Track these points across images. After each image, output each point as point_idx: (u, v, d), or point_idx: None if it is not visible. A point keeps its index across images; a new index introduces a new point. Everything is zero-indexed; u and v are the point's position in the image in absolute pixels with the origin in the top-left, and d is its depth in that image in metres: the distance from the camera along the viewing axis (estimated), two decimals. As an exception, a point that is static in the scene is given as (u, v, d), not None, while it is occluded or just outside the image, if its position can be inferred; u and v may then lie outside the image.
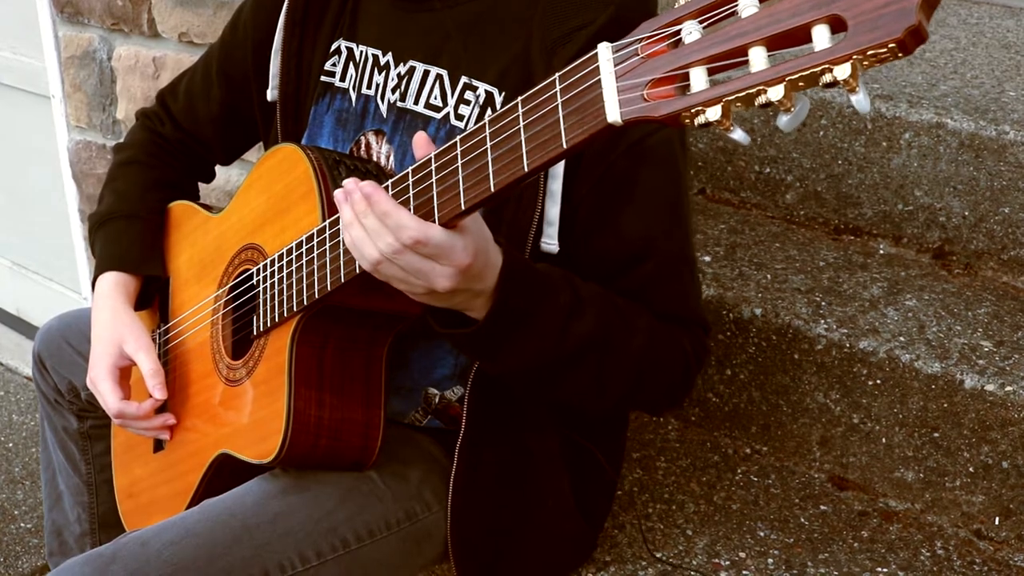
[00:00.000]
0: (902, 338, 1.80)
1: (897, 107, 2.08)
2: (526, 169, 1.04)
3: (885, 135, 2.09)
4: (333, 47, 1.56)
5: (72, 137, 2.97)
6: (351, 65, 1.54)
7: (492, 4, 1.42)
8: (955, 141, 2.02)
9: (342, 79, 1.55)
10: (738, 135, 0.86)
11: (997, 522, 1.74)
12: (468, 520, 1.49)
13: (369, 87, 1.52)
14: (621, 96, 0.92)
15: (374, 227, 1.15)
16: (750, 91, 0.82)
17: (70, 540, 2.06)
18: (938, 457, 1.77)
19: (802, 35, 0.80)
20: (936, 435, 1.76)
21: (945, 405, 1.74)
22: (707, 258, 2.05)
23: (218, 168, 1.88)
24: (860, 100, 0.79)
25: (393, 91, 1.49)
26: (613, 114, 0.93)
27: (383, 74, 1.50)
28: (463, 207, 1.10)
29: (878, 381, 1.79)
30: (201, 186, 1.87)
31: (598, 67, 0.95)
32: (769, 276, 1.99)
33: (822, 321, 1.85)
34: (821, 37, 0.79)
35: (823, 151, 2.16)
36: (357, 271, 1.24)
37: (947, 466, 1.77)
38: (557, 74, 1.00)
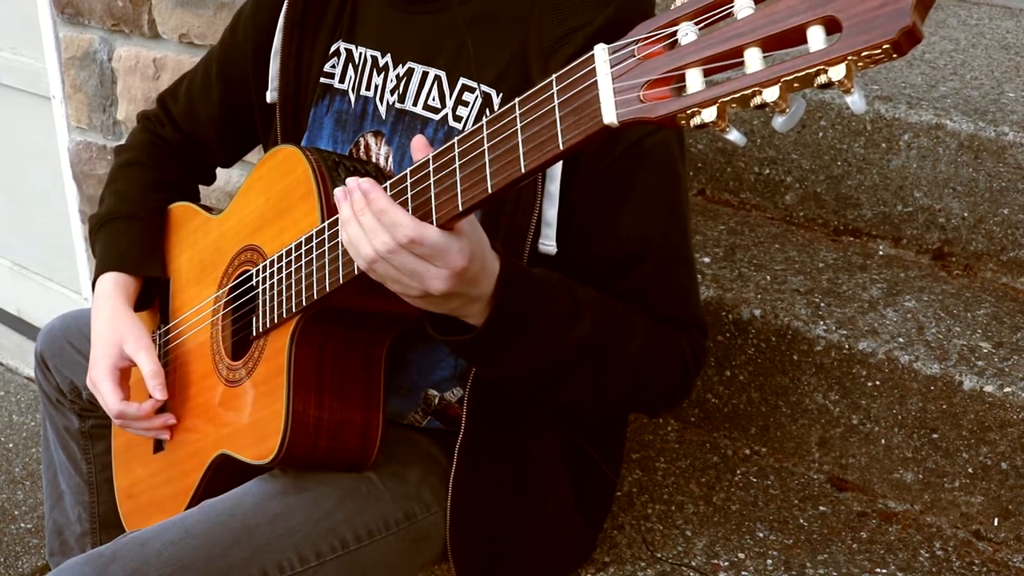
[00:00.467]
0: (901, 339, 1.80)
1: (896, 108, 2.08)
2: (523, 170, 1.04)
3: (884, 136, 2.09)
4: (332, 49, 1.56)
5: (72, 138, 2.98)
6: (350, 67, 1.54)
7: (490, 5, 1.42)
8: (954, 142, 2.02)
9: (341, 81, 1.55)
10: (734, 136, 0.86)
11: (996, 523, 1.74)
12: (467, 521, 1.49)
13: (368, 89, 1.52)
14: (617, 97, 0.92)
15: (370, 224, 1.15)
16: (745, 92, 0.82)
17: (71, 540, 2.06)
18: (937, 458, 1.77)
19: (797, 36, 0.80)
20: (935, 436, 1.76)
21: (944, 406, 1.74)
22: (707, 259, 2.05)
23: (219, 169, 1.88)
24: (855, 101, 0.80)
25: (392, 92, 1.49)
26: (609, 115, 0.93)
27: (382, 76, 1.50)
28: (460, 208, 1.11)
29: (877, 382, 1.79)
30: (202, 187, 1.88)
31: (594, 68, 0.95)
32: (768, 277, 1.99)
33: (821, 322, 1.85)
34: (816, 38, 0.79)
35: (822, 152, 2.16)
36: (356, 272, 1.24)
37: (946, 467, 1.77)
38: (554, 75, 1.00)
